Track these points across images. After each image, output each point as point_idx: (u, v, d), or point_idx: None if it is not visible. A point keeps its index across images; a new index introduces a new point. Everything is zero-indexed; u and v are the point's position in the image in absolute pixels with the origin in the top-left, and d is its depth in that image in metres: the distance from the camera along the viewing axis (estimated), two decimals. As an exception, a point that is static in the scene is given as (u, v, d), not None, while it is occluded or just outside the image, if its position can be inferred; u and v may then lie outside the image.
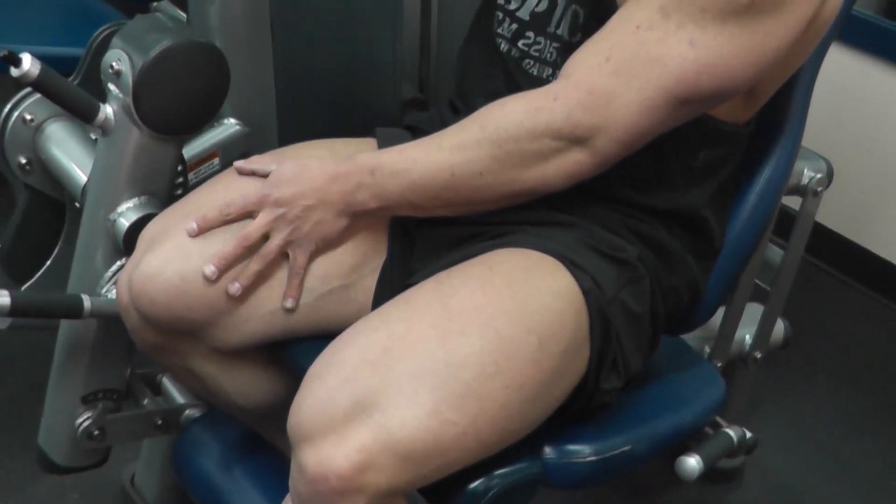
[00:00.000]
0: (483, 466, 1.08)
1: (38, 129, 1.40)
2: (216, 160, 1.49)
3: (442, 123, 1.28)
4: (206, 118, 1.31)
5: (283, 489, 1.34)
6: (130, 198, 1.30)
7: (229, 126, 1.52)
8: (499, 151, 1.08)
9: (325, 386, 1.00)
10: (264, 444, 1.44)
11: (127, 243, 1.30)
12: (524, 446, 1.14)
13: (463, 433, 0.99)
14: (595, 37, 1.07)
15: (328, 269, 1.20)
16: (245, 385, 1.30)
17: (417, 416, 0.97)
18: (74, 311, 1.27)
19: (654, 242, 1.20)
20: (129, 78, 1.22)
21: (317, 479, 0.97)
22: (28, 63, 1.17)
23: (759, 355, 1.77)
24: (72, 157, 1.37)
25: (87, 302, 1.28)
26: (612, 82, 1.04)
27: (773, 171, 1.30)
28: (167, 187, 1.33)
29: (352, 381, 0.98)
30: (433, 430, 0.97)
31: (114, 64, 1.23)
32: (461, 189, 1.11)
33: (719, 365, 1.68)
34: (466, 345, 1.01)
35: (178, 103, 1.26)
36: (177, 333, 1.21)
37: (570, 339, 1.08)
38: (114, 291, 1.32)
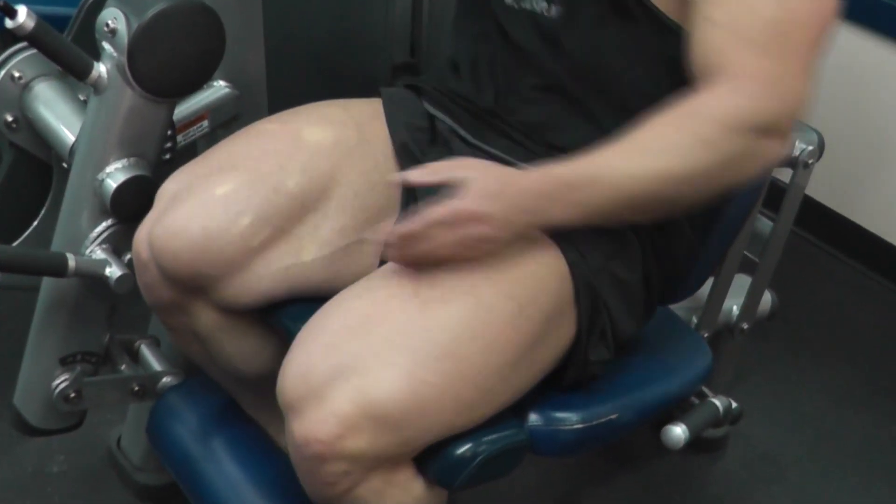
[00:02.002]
0: (469, 433, 1.09)
1: (26, 87, 1.38)
2: (205, 122, 1.48)
3: (444, 84, 1.29)
4: (200, 81, 1.31)
5: (259, 461, 1.37)
6: (119, 158, 1.29)
7: (219, 88, 1.51)
8: (708, 153, 1.01)
9: (307, 353, 1.02)
10: (242, 416, 1.43)
11: (114, 205, 1.29)
12: (510, 413, 1.15)
13: (440, 394, 1.01)
14: (710, 19, 1.03)
15: (346, 223, 1.21)
16: (249, 349, 1.30)
17: (393, 379, 0.98)
18: (59, 268, 1.26)
19: None
20: (124, 37, 1.20)
21: (301, 445, 1.00)
22: (24, 15, 1.16)
23: (745, 326, 1.78)
24: (60, 116, 1.36)
25: (71, 261, 1.27)
26: (767, 63, 1.01)
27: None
28: (157, 150, 1.32)
29: (332, 348, 1.00)
30: (410, 392, 0.99)
31: (109, 22, 1.21)
32: (670, 195, 1.04)
33: (706, 335, 1.69)
34: (445, 311, 1.02)
35: (173, 65, 1.25)
36: (191, 291, 1.21)
37: (553, 305, 1.09)
38: (98, 252, 1.31)
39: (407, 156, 1.25)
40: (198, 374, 1.48)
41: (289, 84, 1.54)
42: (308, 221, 1.19)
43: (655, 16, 1.10)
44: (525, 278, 1.07)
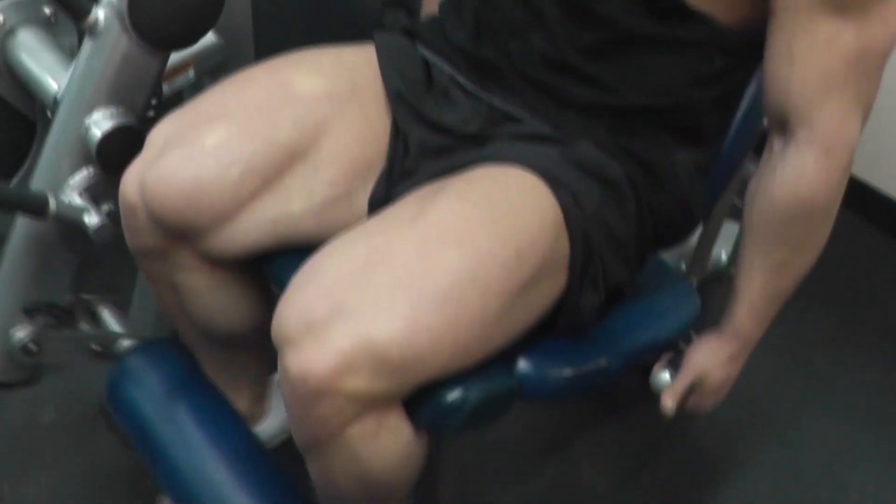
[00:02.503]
0: (460, 380, 1.09)
1: (10, 32, 1.37)
2: (191, 71, 1.47)
3: (442, 29, 1.28)
4: (197, 35, 1.30)
5: (218, 427, 1.37)
6: (107, 106, 1.28)
7: (205, 38, 1.50)
8: (826, 227, 1.18)
9: (306, 293, 1.02)
10: (202, 381, 1.43)
11: (100, 153, 1.28)
12: (500, 360, 1.15)
13: (438, 338, 1.01)
14: (788, 54, 1.08)
15: (336, 174, 1.21)
16: (226, 302, 1.31)
17: (393, 321, 0.99)
18: (39, 208, 1.26)
19: (645, 160, 1.20)
20: None
21: (297, 381, 1.00)
22: None
23: (734, 273, 1.78)
24: (44, 65, 1.35)
25: (52, 202, 1.26)
26: (844, 105, 1.08)
27: (760, 89, 1.29)
28: (145, 100, 1.32)
29: (332, 290, 1.00)
30: (409, 335, 0.99)
31: None
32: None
33: (695, 282, 1.69)
34: (443, 255, 1.03)
35: (173, 16, 1.24)
36: (177, 238, 1.20)
37: (549, 251, 1.09)
38: (75, 197, 1.30)
39: (402, 103, 1.24)
40: (157, 339, 1.48)
41: (276, 30, 1.53)
42: (297, 173, 1.19)
43: (687, 7, 1.11)
44: (521, 224, 1.08)
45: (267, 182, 1.17)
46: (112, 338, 1.48)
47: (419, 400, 1.08)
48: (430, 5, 1.46)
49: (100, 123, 1.28)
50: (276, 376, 1.54)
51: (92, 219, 1.30)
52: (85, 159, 1.31)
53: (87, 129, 1.28)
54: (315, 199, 1.20)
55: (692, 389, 1.28)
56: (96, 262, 1.34)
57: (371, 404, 1.02)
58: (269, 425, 1.55)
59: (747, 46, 1.16)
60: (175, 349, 1.44)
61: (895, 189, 2.43)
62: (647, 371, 1.34)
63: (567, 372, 1.19)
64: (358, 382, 0.99)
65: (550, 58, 1.18)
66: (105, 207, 1.32)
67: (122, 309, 1.53)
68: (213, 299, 1.29)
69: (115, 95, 1.28)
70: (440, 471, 1.43)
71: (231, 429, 1.37)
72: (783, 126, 1.13)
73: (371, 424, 1.04)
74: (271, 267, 1.24)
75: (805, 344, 2.10)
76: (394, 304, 0.99)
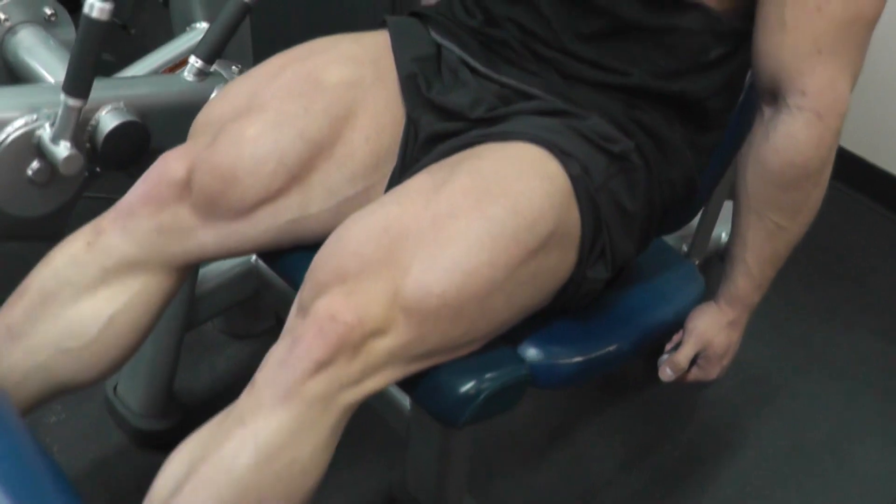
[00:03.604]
0: (472, 370, 1.10)
1: (11, 30, 1.36)
2: (191, 57, 1.46)
3: (451, 10, 1.30)
4: None
5: None
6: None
7: (201, 30, 1.50)
8: (820, 191, 1.20)
9: (335, 257, 1.05)
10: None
11: (105, 151, 1.28)
12: (510, 347, 1.16)
13: (446, 305, 1.03)
14: (780, 21, 1.11)
15: (355, 169, 1.22)
16: (127, 326, 1.23)
17: (410, 288, 1.02)
18: None
19: (655, 133, 1.21)
20: None
21: (323, 319, 1.01)
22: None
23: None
24: (45, 64, 1.35)
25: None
26: (834, 69, 1.11)
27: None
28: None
29: (358, 254, 1.04)
30: (421, 301, 1.02)
31: None
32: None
33: (697, 262, 1.70)
34: (455, 224, 1.05)
35: None
36: (201, 219, 1.20)
37: (558, 222, 1.10)
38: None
39: (412, 90, 1.24)
40: None
41: (273, 19, 1.52)
42: (320, 168, 1.20)
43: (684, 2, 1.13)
44: (531, 194, 1.08)
45: (294, 179, 1.18)
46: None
47: (432, 392, 1.10)
48: None
49: (108, 119, 1.27)
50: None
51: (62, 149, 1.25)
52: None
53: (95, 124, 1.27)
54: (334, 197, 1.21)
55: (695, 361, 1.30)
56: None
57: (371, 370, 1.03)
58: None
59: (741, 33, 1.18)
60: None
61: (888, 161, 2.45)
62: (654, 354, 1.35)
63: (577, 358, 1.20)
64: (381, 338, 1.02)
65: (553, 45, 1.20)
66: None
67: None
68: (122, 313, 1.22)
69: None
70: (448, 461, 1.43)
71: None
72: (774, 93, 1.15)
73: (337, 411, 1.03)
74: (280, 264, 1.25)
75: (805, 319, 2.12)
76: (410, 269, 1.02)
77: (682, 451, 1.85)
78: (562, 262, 1.13)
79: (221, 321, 1.93)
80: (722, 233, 1.78)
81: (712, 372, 1.31)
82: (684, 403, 1.91)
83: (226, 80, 1.43)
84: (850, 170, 2.41)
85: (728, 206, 1.71)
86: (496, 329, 1.11)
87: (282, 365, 1.02)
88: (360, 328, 1.00)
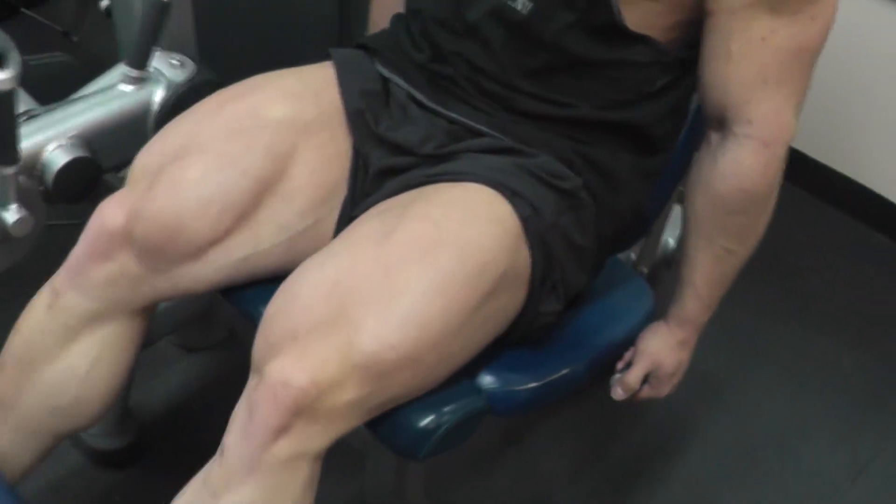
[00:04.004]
0: (431, 404, 1.12)
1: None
2: (121, 65, 1.43)
3: (398, 43, 1.30)
4: None
5: None
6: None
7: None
8: (766, 217, 1.24)
9: (286, 316, 1.05)
10: None
11: (57, 190, 1.27)
12: (467, 378, 1.18)
13: (404, 357, 1.04)
14: (727, 54, 1.12)
15: (303, 204, 1.22)
16: (99, 378, 1.27)
17: (364, 342, 1.02)
18: None
19: (602, 167, 1.23)
20: None
21: (276, 386, 1.01)
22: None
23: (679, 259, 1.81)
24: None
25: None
26: (780, 99, 1.14)
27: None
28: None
29: (309, 311, 1.04)
30: (377, 354, 1.03)
31: None
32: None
33: (646, 270, 1.72)
34: (406, 274, 1.06)
35: None
36: (148, 269, 1.20)
37: (510, 264, 1.11)
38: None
39: (360, 124, 1.24)
40: None
41: (221, 42, 1.51)
42: (268, 205, 1.20)
43: (629, 34, 1.14)
44: (482, 239, 1.10)
45: (242, 217, 1.18)
46: None
47: (392, 427, 1.11)
48: (378, 19, 1.46)
49: (54, 157, 1.26)
50: None
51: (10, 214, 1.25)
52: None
53: (42, 165, 1.26)
54: (285, 233, 1.21)
55: (646, 379, 1.33)
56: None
57: (331, 425, 1.04)
58: None
59: (686, 61, 1.20)
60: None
61: (828, 157, 2.50)
62: (607, 370, 1.38)
63: (533, 384, 1.22)
64: (336, 395, 1.02)
65: (500, 80, 1.21)
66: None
67: None
68: (93, 366, 1.25)
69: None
70: (404, 471, 1.45)
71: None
72: (721, 122, 1.18)
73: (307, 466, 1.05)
74: (236, 298, 1.25)
75: (748, 316, 2.15)
76: (364, 323, 1.02)
77: (630, 452, 1.88)
78: (514, 300, 1.15)
79: (174, 334, 1.92)
80: (669, 238, 1.81)
81: (663, 390, 1.34)
82: (634, 406, 1.94)
83: (167, 78, 1.41)
84: (796, 168, 2.46)
85: (676, 210, 1.74)
86: (454, 370, 1.13)
87: (244, 433, 1.03)
88: (314, 390, 1.00)
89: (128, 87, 1.37)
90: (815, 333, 2.16)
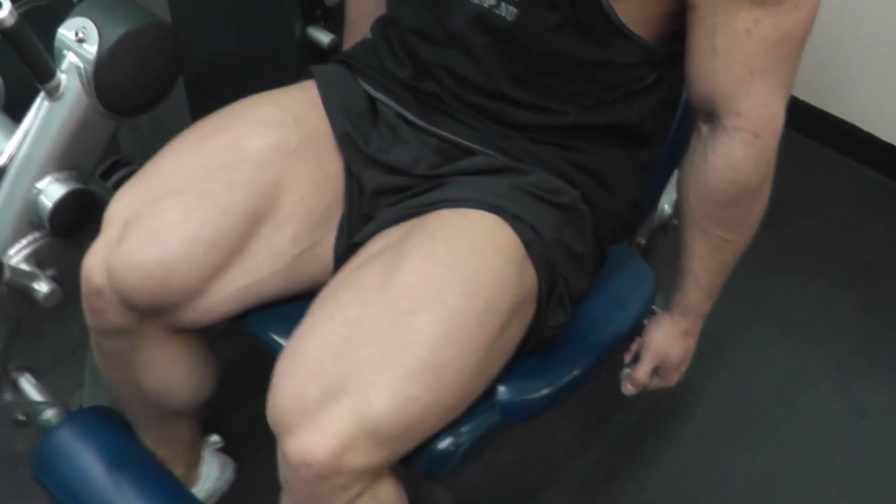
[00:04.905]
0: (448, 426, 1.12)
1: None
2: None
3: (378, 58, 1.28)
4: (157, 100, 1.26)
5: (163, 492, 1.39)
6: (58, 169, 1.25)
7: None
8: (762, 204, 1.24)
9: (295, 381, 1.04)
10: (141, 448, 1.44)
11: (52, 220, 1.26)
12: (482, 393, 1.19)
13: (426, 405, 1.04)
14: (711, 48, 1.11)
15: (297, 229, 1.21)
16: (182, 375, 1.34)
17: (381, 398, 1.01)
18: None
19: (596, 172, 1.23)
20: (92, 50, 1.16)
21: (299, 466, 1.02)
22: (6, 11, 1.10)
23: (677, 222, 1.81)
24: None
25: (7, 268, 1.25)
26: (766, 91, 1.12)
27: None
28: (94, 164, 1.28)
29: (319, 374, 1.03)
30: (398, 409, 1.02)
31: (79, 32, 1.16)
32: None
33: (643, 242, 1.73)
34: (417, 322, 1.05)
35: (138, 84, 1.21)
36: (147, 317, 1.21)
37: (517, 294, 1.11)
38: (22, 264, 1.28)
39: (350, 146, 1.23)
40: (86, 409, 1.49)
41: (200, 51, 1.49)
42: (261, 235, 1.19)
43: (620, 30, 1.12)
44: (488, 272, 1.09)
45: (233, 252, 1.17)
46: (34, 406, 1.48)
47: (414, 452, 1.12)
48: (355, 30, 1.44)
49: (49, 190, 1.24)
50: (210, 441, 1.60)
51: (41, 285, 1.28)
52: (31, 223, 1.28)
53: (37, 194, 1.24)
54: (282, 259, 1.20)
55: (655, 370, 1.34)
56: (32, 322, 1.34)
57: (371, 474, 1.05)
58: (201, 489, 1.58)
59: (672, 55, 1.19)
60: (106, 417, 1.44)
61: (818, 99, 2.49)
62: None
63: (545, 391, 1.23)
64: (357, 459, 1.02)
65: (487, 90, 1.19)
66: (49, 272, 1.30)
67: (38, 377, 1.53)
68: (169, 372, 1.31)
69: (68, 158, 1.24)
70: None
71: (175, 493, 1.40)
72: (710, 114, 1.17)
73: (369, 496, 1.07)
74: (245, 325, 1.25)
75: (745, 267, 2.14)
76: (379, 379, 1.02)
77: (636, 417, 1.91)
78: (525, 322, 1.16)
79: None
80: (665, 205, 1.81)
81: (672, 379, 1.36)
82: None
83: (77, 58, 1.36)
84: (791, 114, 2.45)
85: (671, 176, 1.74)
86: (470, 403, 1.13)
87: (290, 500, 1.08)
88: (335, 460, 1.01)
89: (48, 101, 1.27)
90: (811, 281, 2.18)
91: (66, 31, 1.18)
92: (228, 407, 1.76)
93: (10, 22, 1.11)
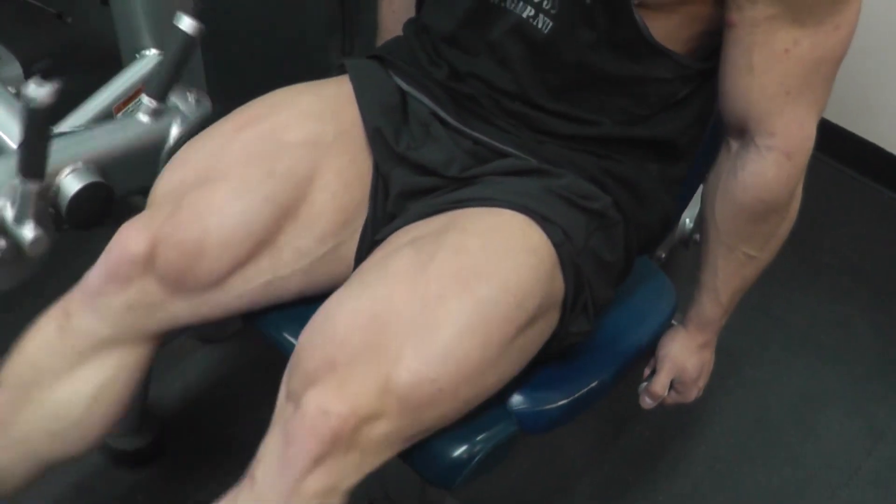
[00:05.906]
0: (463, 434, 1.11)
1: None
2: (143, 96, 1.42)
3: (413, 56, 1.27)
4: None
5: None
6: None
7: (151, 58, 1.46)
8: (787, 226, 1.24)
9: (323, 345, 1.03)
10: None
11: (70, 215, 1.25)
12: (496, 400, 1.16)
13: (440, 390, 1.03)
14: (748, 66, 1.10)
15: (325, 228, 1.20)
16: (104, 394, 1.22)
17: (402, 374, 1.01)
18: None
19: (629, 182, 1.22)
20: None
21: (316, 416, 1.00)
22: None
23: (698, 237, 1.80)
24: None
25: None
26: (801, 111, 1.12)
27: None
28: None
29: (346, 340, 1.02)
30: (416, 386, 1.01)
31: None
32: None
33: (663, 256, 1.71)
34: (445, 307, 1.04)
35: None
36: (169, 297, 1.18)
37: (546, 294, 1.10)
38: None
39: (379, 142, 1.22)
40: None
41: (224, 45, 1.48)
42: (288, 230, 1.18)
43: (654, 48, 1.11)
44: (518, 270, 1.08)
45: (262, 243, 1.16)
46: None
47: (425, 458, 1.10)
48: (390, 24, 1.43)
49: (66, 183, 1.24)
50: None
51: (27, 231, 1.24)
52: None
53: (56, 191, 1.24)
54: (306, 258, 1.19)
55: (672, 385, 1.32)
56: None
57: (369, 455, 1.03)
58: None
59: (707, 71, 1.18)
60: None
61: (839, 117, 2.46)
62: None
63: (562, 402, 1.21)
64: (373, 426, 1.01)
65: (521, 98, 1.19)
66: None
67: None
68: (95, 388, 1.21)
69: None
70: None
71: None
72: (742, 131, 1.16)
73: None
74: (258, 323, 1.24)
75: (763, 286, 2.14)
76: (402, 354, 1.01)
77: (649, 429, 1.89)
78: (548, 326, 1.14)
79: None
80: (686, 219, 1.79)
81: (690, 394, 1.34)
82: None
83: (183, 113, 1.40)
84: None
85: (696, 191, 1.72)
86: (489, 396, 1.12)
87: (280, 463, 1.02)
88: (353, 419, 1.00)
89: (145, 118, 1.35)
90: (829, 299, 2.17)
91: None
92: (241, 410, 1.75)
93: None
